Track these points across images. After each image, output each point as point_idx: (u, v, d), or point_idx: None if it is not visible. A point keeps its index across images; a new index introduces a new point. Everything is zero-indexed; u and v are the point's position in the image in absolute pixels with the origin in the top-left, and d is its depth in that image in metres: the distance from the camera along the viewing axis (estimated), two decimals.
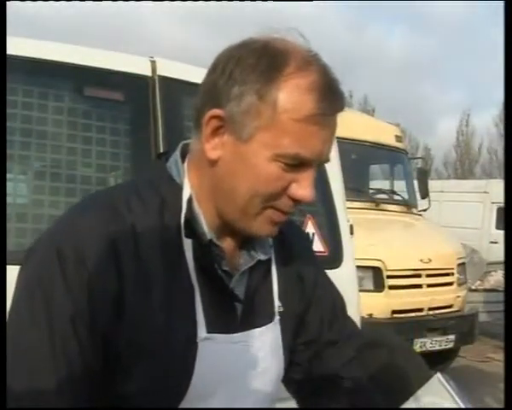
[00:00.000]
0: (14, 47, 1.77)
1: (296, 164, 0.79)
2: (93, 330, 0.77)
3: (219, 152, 0.81)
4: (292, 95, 0.77)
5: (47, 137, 1.92)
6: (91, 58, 2.03)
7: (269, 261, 0.93)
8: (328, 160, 0.84)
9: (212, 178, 0.83)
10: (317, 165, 0.82)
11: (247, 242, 0.91)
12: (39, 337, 0.75)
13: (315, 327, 1.00)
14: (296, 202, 0.83)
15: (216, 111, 0.79)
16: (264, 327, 0.91)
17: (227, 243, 0.88)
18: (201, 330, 0.83)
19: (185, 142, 0.92)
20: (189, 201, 0.84)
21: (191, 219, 0.84)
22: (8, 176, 1.82)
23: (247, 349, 0.89)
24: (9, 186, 1.83)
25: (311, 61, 0.80)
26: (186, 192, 0.85)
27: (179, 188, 0.85)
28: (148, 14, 40.43)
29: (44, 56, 1.94)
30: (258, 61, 0.78)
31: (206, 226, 0.84)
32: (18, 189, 1.96)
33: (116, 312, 0.77)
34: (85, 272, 0.76)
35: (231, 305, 0.88)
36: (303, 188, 0.81)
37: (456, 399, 0.86)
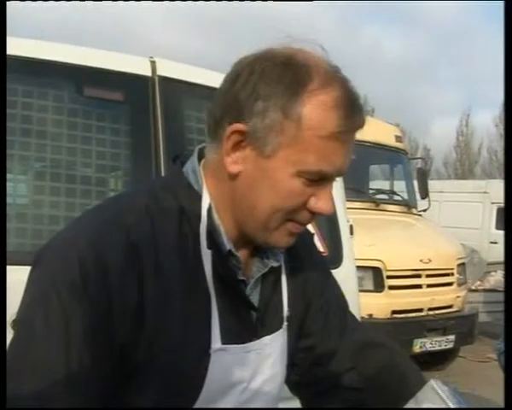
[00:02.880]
0: (15, 47, 1.77)
1: (317, 179, 0.80)
2: (112, 342, 0.74)
3: (240, 166, 0.80)
4: (316, 111, 0.76)
5: (47, 137, 1.92)
6: (91, 58, 2.03)
7: (279, 268, 0.93)
8: (345, 173, 0.84)
9: (231, 192, 0.82)
10: (334, 178, 0.83)
11: (259, 249, 0.90)
12: (54, 347, 0.72)
13: (315, 332, 1.00)
14: (315, 214, 0.83)
15: (239, 126, 0.78)
16: (274, 334, 0.91)
17: (242, 252, 0.87)
18: (216, 341, 0.82)
19: (201, 146, 0.90)
20: (209, 211, 0.83)
21: (211, 230, 0.83)
22: (8, 176, 1.82)
23: (259, 356, 0.89)
24: (9, 186, 1.82)
25: (334, 77, 0.79)
26: (205, 202, 0.84)
27: (198, 196, 0.84)
28: (147, 15, 40.46)
29: (44, 56, 1.94)
30: (282, 76, 0.77)
31: (225, 237, 0.84)
32: (18, 189, 1.95)
33: (136, 323, 0.76)
34: (107, 282, 0.74)
35: (247, 313, 0.88)
36: (323, 201, 0.82)
37: (451, 406, 0.85)
